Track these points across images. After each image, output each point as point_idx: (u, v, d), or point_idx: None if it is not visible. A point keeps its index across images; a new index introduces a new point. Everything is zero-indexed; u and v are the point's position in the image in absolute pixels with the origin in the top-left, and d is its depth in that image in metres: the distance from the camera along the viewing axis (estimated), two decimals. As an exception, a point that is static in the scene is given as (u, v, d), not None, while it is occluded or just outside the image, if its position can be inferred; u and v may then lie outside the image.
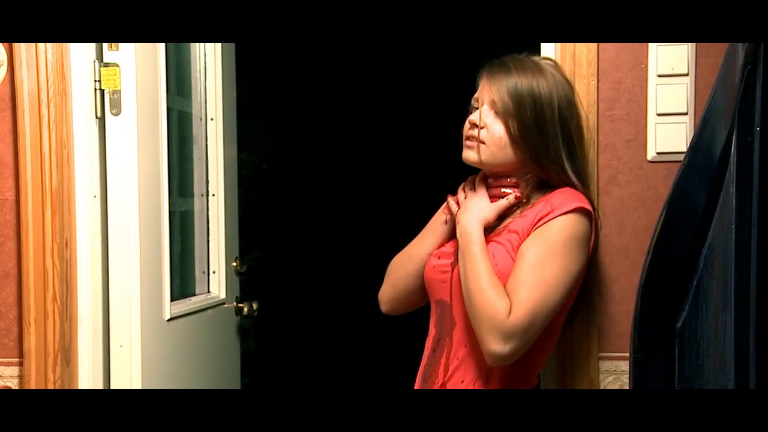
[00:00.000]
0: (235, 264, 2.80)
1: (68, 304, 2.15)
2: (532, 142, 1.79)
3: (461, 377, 1.83)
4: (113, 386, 2.20)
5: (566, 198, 1.78)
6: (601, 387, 1.99)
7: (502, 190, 1.86)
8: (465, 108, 1.89)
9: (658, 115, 1.97)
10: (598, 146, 2.00)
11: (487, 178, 1.91)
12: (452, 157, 1.91)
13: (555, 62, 1.93)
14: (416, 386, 1.94)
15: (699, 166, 1.51)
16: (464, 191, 1.92)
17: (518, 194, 1.84)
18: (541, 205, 1.80)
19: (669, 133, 1.97)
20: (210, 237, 2.73)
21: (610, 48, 1.99)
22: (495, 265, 1.75)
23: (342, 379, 4.72)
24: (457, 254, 1.84)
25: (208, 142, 2.71)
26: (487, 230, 1.82)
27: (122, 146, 2.18)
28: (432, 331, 1.93)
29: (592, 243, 1.80)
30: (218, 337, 2.75)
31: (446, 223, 1.95)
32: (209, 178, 2.71)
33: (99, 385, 2.20)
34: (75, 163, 2.16)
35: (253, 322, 3.85)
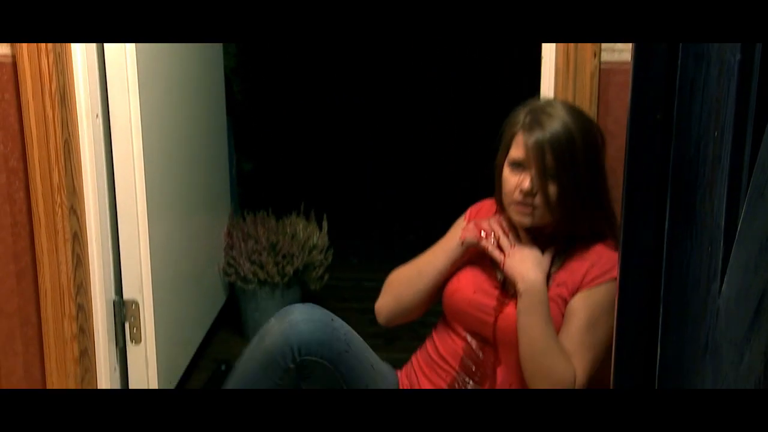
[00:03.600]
0: None
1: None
2: (583, 199, 1.77)
3: None
4: None
5: (614, 260, 1.74)
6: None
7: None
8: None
9: None
10: None
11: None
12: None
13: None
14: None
15: None
16: (502, 232, 1.85)
17: (556, 247, 1.84)
18: (587, 264, 1.80)
19: None
20: None
21: None
22: None
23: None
24: (501, 298, 1.84)
25: None
26: None
27: None
28: (461, 344, 1.89)
29: None
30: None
31: (462, 244, 1.88)
32: None
33: None
34: None
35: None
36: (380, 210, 4.80)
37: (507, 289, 1.86)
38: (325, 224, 3.31)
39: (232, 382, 1.89)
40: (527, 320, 1.75)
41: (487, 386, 1.86)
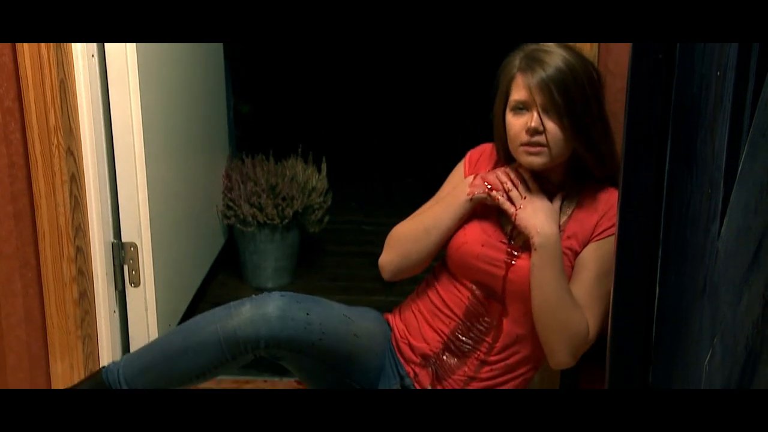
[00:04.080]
0: None
1: None
2: (592, 132, 1.75)
3: (505, 360, 1.87)
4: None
5: None
6: None
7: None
8: None
9: None
10: None
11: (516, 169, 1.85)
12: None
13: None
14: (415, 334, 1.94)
15: None
16: (510, 183, 1.82)
17: (563, 194, 1.83)
18: (597, 216, 1.79)
19: None
20: None
21: None
22: None
23: None
24: (510, 251, 1.82)
25: None
26: None
27: None
28: (467, 295, 1.87)
29: None
30: None
31: (471, 200, 1.84)
32: None
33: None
34: None
35: None
36: (378, 153, 4.79)
37: (515, 241, 1.84)
38: (324, 167, 3.30)
39: (180, 336, 1.85)
40: (542, 274, 1.74)
41: (491, 337, 1.86)
